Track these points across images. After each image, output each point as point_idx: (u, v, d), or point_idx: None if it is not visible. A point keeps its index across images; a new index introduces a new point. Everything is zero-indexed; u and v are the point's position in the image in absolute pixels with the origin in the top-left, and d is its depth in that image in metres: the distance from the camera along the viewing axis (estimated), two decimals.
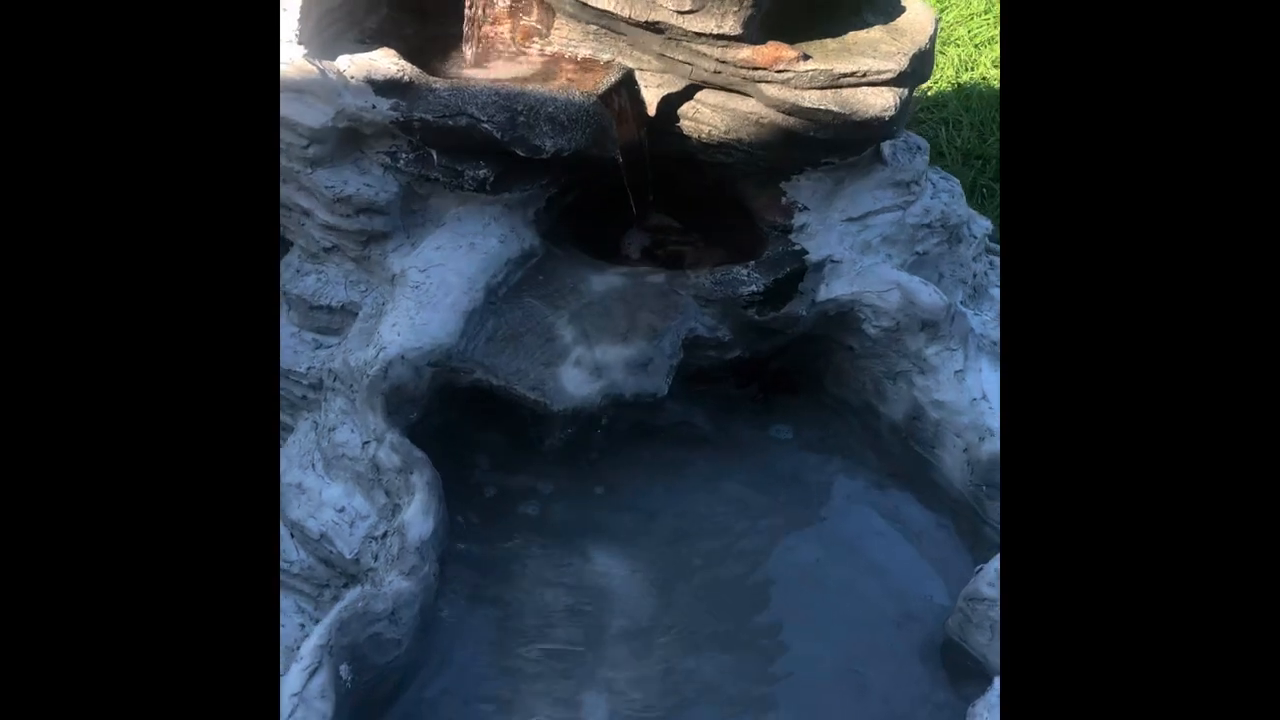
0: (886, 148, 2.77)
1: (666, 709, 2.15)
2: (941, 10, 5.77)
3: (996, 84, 4.84)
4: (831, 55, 2.52)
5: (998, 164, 4.29)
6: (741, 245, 2.71)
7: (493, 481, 2.55)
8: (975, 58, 5.32)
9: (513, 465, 2.58)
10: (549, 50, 2.74)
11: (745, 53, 2.48)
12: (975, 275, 3.03)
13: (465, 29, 2.75)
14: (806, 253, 2.66)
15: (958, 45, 5.45)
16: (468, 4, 2.72)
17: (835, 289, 2.63)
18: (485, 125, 2.41)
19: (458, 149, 2.47)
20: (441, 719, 2.13)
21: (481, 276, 2.47)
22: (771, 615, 2.34)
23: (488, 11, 2.74)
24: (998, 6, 5.32)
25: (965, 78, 5.22)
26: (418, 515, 2.20)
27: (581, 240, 2.74)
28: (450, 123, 2.42)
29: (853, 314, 2.64)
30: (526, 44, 2.76)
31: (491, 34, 2.77)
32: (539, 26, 2.76)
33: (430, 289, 2.42)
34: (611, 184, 2.70)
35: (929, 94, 4.98)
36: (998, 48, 5.01)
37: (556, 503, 2.53)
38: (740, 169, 2.74)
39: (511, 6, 2.76)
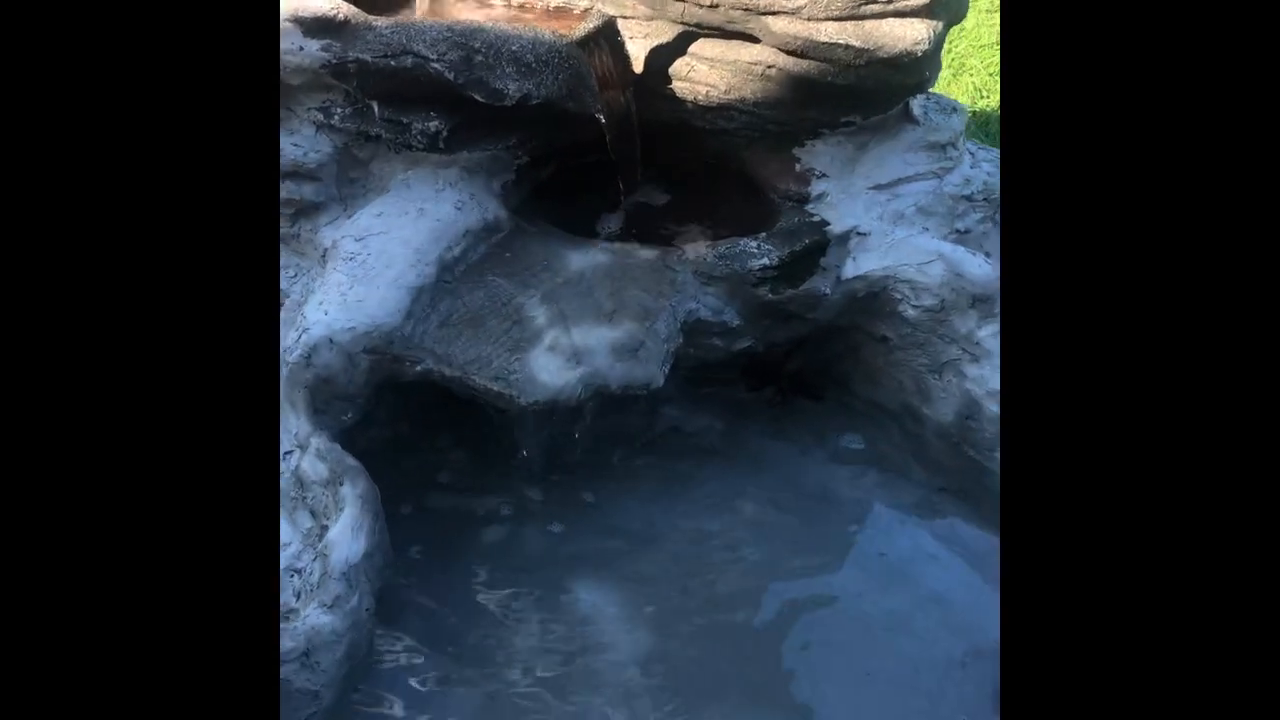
0: (916, 105, 2.35)
1: None
2: (951, 43, 5.49)
3: None
4: None
5: None
6: (749, 221, 2.26)
7: (450, 504, 2.06)
8: (990, 85, 5.01)
9: (476, 483, 2.10)
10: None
11: None
12: None
13: None
14: (828, 224, 2.21)
15: (971, 74, 5.15)
16: None
17: (865, 264, 2.18)
18: (435, 65, 1.97)
19: (403, 98, 2.04)
20: None
21: (433, 248, 2.01)
22: (805, 662, 1.83)
23: None
24: None
25: (981, 104, 4.91)
26: (346, 533, 1.71)
27: (559, 220, 2.29)
28: (393, 64, 1.99)
29: (887, 294, 2.18)
30: None
31: None
32: None
33: (367, 261, 1.96)
34: (593, 155, 2.28)
35: None
36: None
37: (530, 527, 2.03)
38: (745, 135, 2.31)
39: None
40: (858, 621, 1.89)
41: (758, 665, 1.83)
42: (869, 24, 2.10)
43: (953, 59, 5.24)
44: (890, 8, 2.09)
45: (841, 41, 2.09)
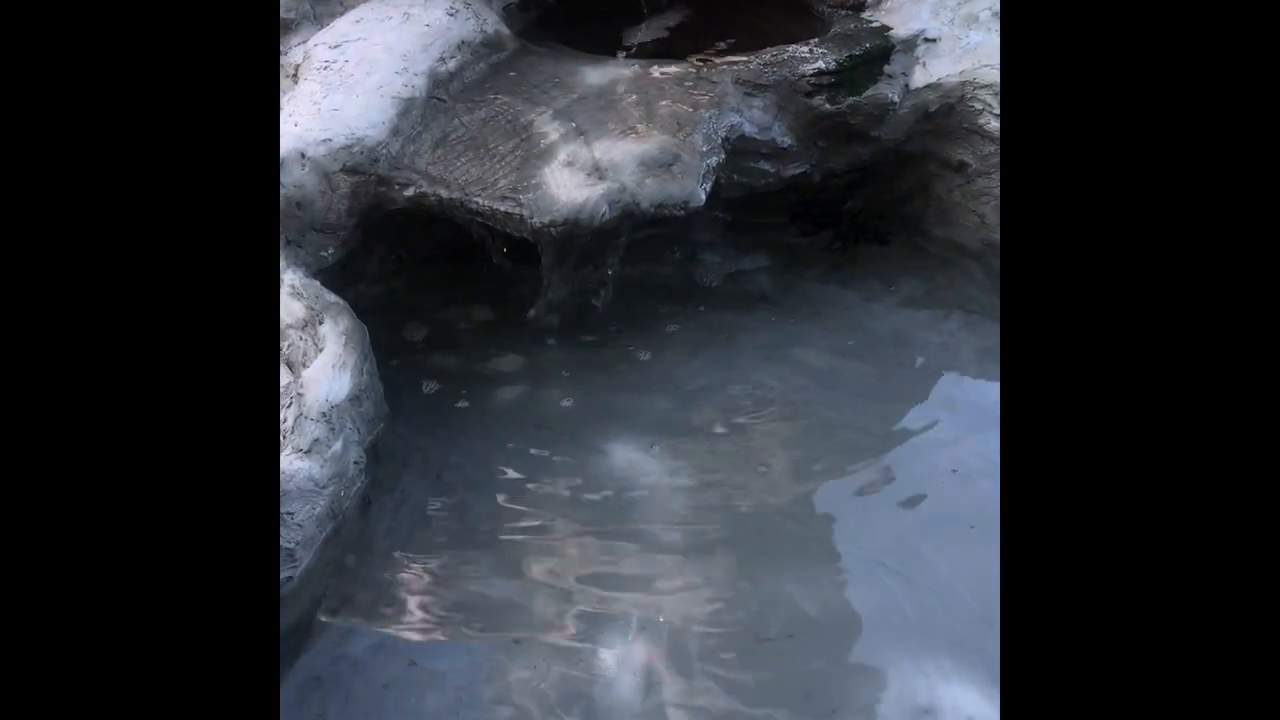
0: None
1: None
2: None
3: None
4: None
5: None
6: (795, 36, 1.92)
7: (457, 365, 1.74)
8: None
9: (487, 342, 1.78)
10: None
11: None
12: None
13: None
14: (890, 29, 1.87)
15: None
16: None
17: (936, 70, 1.84)
18: None
19: None
20: (375, 694, 1.28)
21: (422, 56, 1.69)
22: (890, 518, 1.50)
23: None
24: None
25: None
26: (326, 370, 1.40)
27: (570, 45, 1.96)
28: None
29: (965, 104, 1.84)
30: None
31: None
32: None
33: (345, 68, 1.64)
34: None
35: None
36: None
37: (553, 386, 1.71)
38: None
39: None
40: (949, 471, 1.55)
41: (835, 523, 1.50)
42: None
43: None
44: None
45: None
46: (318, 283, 1.52)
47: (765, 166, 1.80)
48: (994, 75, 1.81)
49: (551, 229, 1.55)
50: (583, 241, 1.61)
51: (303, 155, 1.53)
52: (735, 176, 1.78)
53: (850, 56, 1.79)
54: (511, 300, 1.80)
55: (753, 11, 2.03)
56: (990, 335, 1.80)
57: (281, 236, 1.54)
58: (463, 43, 1.75)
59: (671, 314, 1.82)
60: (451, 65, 1.72)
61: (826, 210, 1.98)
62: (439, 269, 1.83)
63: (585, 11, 2.04)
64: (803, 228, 1.98)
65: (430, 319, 1.80)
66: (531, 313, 1.76)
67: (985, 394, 1.70)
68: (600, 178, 1.59)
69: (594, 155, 1.61)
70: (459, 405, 1.67)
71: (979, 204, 1.91)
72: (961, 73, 1.83)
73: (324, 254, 1.59)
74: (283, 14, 1.77)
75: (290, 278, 1.52)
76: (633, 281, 1.82)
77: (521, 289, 1.79)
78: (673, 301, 1.85)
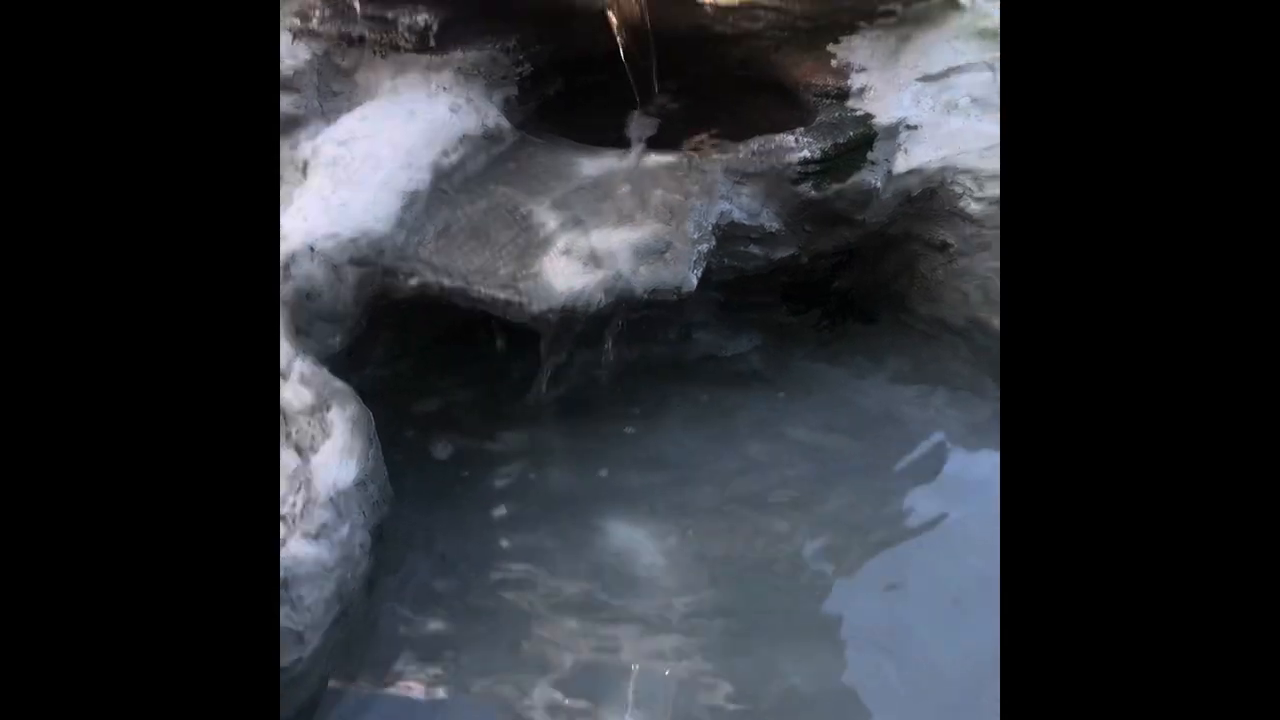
0: None
1: None
2: None
3: None
4: None
5: None
6: (782, 124, 1.99)
7: (460, 444, 1.80)
8: None
9: (488, 422, 1.84)
10: None
11: None
12: None
13: None
14: (873, 116, 1.96)
15: None
16: None
17: (918, 156, 1.92)
18: None
19: None
20: None
21: (425, 151, 1.77)
22: (883, 594, 1.54)
23: None
24: None
25: None
26: (333, 456, 1.45)
27: (567, 135, 2.04)
28: None
29: (946, 188, 1.91)
30: None
31: None
32: None
33: (352, 164, 1.72)
34: (603, 72, 2.05)
35: None
36: None
37: (552, 464, 1.76)
38: (773, 36, 2.07)
39: None
40: (939, 547, 1.61)
41: (832, 600, 1.55)
42: None
43: None
44: None
45: None
46: (325, 370, 1.58)
47: (755, 250, 1.87)
48: (973, 160, 1.89)
49: (550, 316, 1.62)
50: (580, 326, 1.67)
51: (312, 249, 1.60)
52: (726, 260, 1.85)
53: (835, 145, 1.87)
54: (511, 381, 1.86)
55: (742, 99, 2.11)
56: (975, 411, 1.86)
57: (291, 326, 1.61)
58: (464, 136, 1.83)
59: (667, 392, 1.88)
60: (454, 158, 1.80)
61: (815, 289, 2.05)
62: (442, 351, 1.90)
63: (583, 101, 2.13)
64: (792, 306, 2.05)
65: (433, 400, 1.86)
66: (531, 393, 1.82)
67: (971, 469, 1.75)
68: (597, 265, 1.66)
69: (590, 243, 1.69)
70: (461, 484, 1.72)
71: (962, 282, 1.98)
72: (942, 158, 1.91)
73: (331, 342, 1.65)
74: (292, 110, 1.85)
75: (299, 365, 1.58)
76: (629, 361, 1.88)
77: (521, 370, 1.85)
78: (668, 380, 1.91)
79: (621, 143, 2.05)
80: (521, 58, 1.97)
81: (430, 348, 1.89)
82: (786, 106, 2.07)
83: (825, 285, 2.05)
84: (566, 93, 2.14)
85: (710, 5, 2.05)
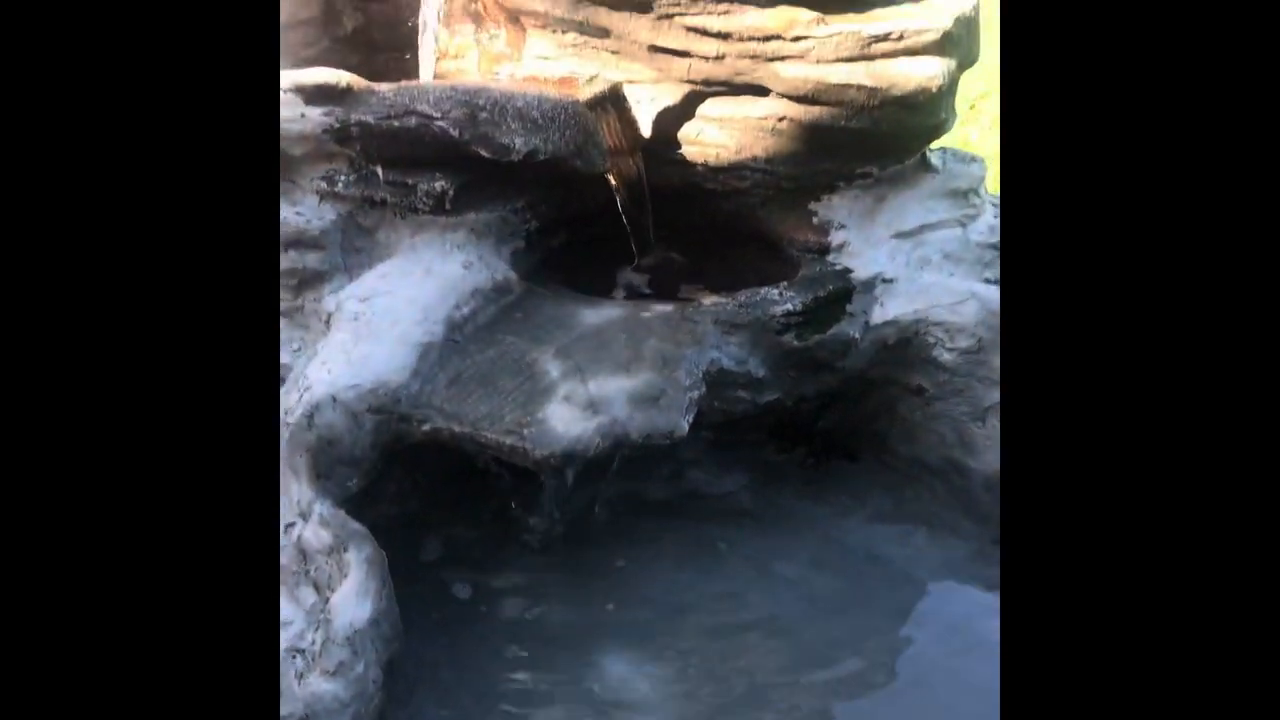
0: (935, 155, 2.29)
1: None
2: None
3: None
4: (856, 20, 2.08)
5: None
6: (768, 276, 2.16)
7: (465, 579, 1.91)
8: None
9: (492, 558, 1.95)
10: (520, 75, 2.32)
11: (752, 18, 2.04)
12: None
13: (420, 63, 2.36)
14: (851, 271, 2.12)
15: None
16: (420, 35, 2.35)
17: (893, 308, 2.08)
18: (439, 123, 1.94)
19: (407, 159, 1.99)
20: None
21: (440, 306, 1.92)
22: None
23: (450, 39, 2.35)
24: None
25: None
26: (350, 597, 1.57)
27: (570, 288, 2.21)
28: (396, 124, 1.95)
29: (920, 339, 2.07)
30: (494, 70, 2.35)
31: (453, 70, 2.37)
32: (508, 50, 2.35)
33: (372, 320, 1.87)
34: (603, 224, 2.22)
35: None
36: None
37: (552, 601, 1.87)
38: (759, 193, 2.24)
39: (476, 36, 2.38)
40: (921, 684, 1.70)
41: None
42: (879, 63, 2.05)
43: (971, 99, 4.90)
44: (901, 45, 2.05)
45: (853, 82, 2.04)
46: (343, 512, 1.71)
47: (743, 395, 2.01)
48: (944, 314, 2.05)
49: (551, 460, 1.75)
50: (579, 468, 1.80)
51: (334, 399, 1.74)
52: (716, 404, 1.99)
53: (816, 298, 2.03)
54: (514, 519, 1.98)
55: (730, 251, 2.28)
56: (952, 549, 1.99)
57: (313, 470, 1.74)
58: (476, 290, 1.99)
59: (660, 529, 2.00)
60: (465, 311, 1.95)
61: (800, 429, 2.19)
62: (450, 490, 2.02)
63: (584, 252, 2.29)
64: (779, 445, 2.18)
65: (441, 537, 1.98)
66: (532, 531, 1.94)
67: (949, 606, 1.86)
68: (595, 412, 1.79)
69: (589, 391, 1.83)
70: (466, 620, 1.83)
71: (938, 424, 2.12)
72: (915, 310, 2.06)
73: (349, 484, 1.78)
74: (316, 266, 2.01)
75: (319, 508, 1.70)
76: (624, 499, 2.00)
77: (524, 508, 1.97)
78: (661, 517, 2.03)
79: (620, 292, 2.22)
80: (529, 216, 2.14)
81: (439, 486, 2.01)
82: (772, 259, 2.24)
83: (810, 425, 2.19)
84: (570, 245, 2.30)
85: (702, 164, 2.24)
